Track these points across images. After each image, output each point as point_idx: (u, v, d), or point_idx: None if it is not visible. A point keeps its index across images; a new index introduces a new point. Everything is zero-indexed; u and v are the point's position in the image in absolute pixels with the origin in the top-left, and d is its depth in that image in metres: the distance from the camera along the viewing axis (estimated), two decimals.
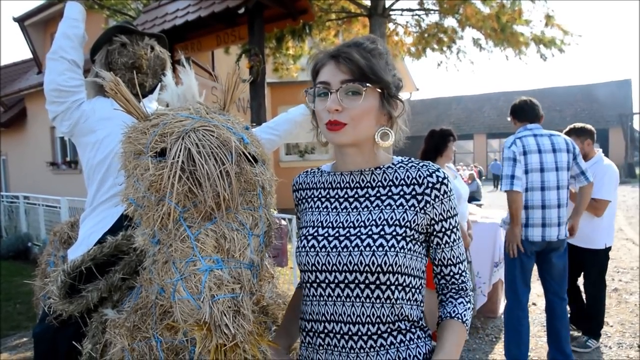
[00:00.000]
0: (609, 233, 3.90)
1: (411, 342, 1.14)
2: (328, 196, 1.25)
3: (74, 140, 2.03)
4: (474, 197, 10.81)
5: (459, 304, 1.19)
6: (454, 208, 1.19)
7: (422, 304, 1.20)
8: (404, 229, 1.13)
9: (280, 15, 5.88)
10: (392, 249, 1.10)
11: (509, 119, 3.63)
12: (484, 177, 25.79)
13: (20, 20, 13.86)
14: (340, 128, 1.12)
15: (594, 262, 3.92)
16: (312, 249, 1.17)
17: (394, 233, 1.11)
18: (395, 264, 1.10)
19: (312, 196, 1.28)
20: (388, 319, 1.12)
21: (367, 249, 1.10)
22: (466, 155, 31.49)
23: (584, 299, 4.13)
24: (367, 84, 1.12)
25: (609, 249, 3.92)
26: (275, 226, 1.30)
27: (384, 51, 1.18)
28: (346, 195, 1.22)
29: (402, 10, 8.07)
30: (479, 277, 4.42)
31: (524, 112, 3.48)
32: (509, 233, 3.37)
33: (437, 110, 33.45)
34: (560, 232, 3.29)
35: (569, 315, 4.22)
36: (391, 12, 7.75)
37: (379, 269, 1.09)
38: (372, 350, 1.11)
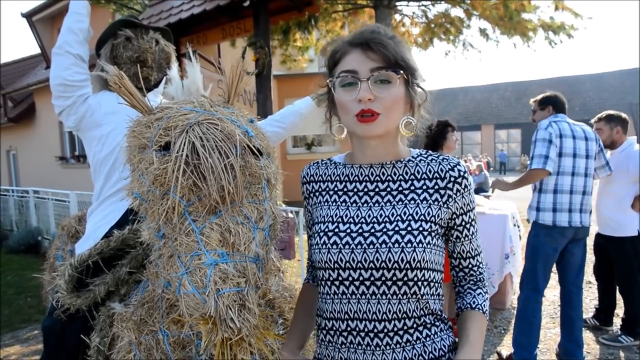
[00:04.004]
0: None
1: (435, 336, 1.13)
2: (345, 189, 1.20)
3: (80, 134, 2.03)
4: (481, 189, 10.76)
5: (478, 294, 1.18)
6: (473, 201, 1.18)
7: (442, 298, 1.19)
8: (429, 224, 1.10)
9: (285, 8, 5.84)
10: (420, 245, 1.07)
11: (539, 108, 3.59)
12: (492, 168, 25.74)
13: (28, 15, 13.92)
14: (374, 119, 1.08)
15: (625, 250, 3.83)
16: (334, 246, 1.12)
17: (421, 228, 1.09)
18: (423, 259, 1.07)
19: (327, 189, 1.23)
20: (414, 313, 1.10)
21: (396, 245, 1.07)
22: (474, 146, 31.31)
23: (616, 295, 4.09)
24: (400, 71, 1.09)
25: None
26: (280, 219, 1.30)
27: (400, 37, 1.16)
28: (366, 189, 1.18)
29: (409, 0, 8.01)
30: (488, 269, 4.41)
31: (561, 104, 3.52)
32: (507, 187, 3.57)
33: (444, 101, 33.27)
34: (583, 218, 3.30)
35: (595, 310, 4.22)
36: (397, 3, 7.68)
37: (407, 265, 1.06)
38: (398, 346, 1.09)
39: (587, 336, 3.96)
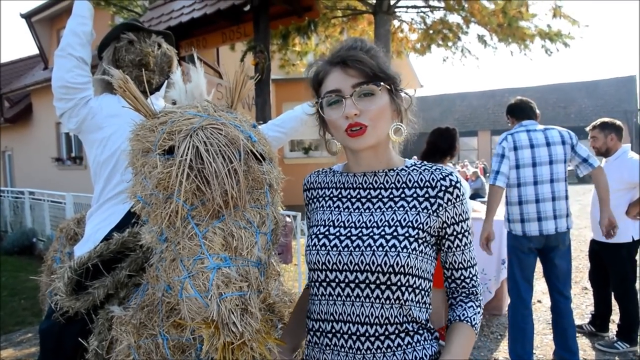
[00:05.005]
0: (636, 224, 3.81)
1: (418, 344, 1.13)
2: (340, 196, 1.24)
3: (81, 137, 2.03)
4: (478, 194, 10.78)
5: (469, 307, 1.19)
6: (466, 212, 1.18)
7: (429, 307, 1.20)
8: (416, 230, 1.12)
9: (285, 13, 5.87)
10: (405, 250, 1.09)
11: (507, 119, 3.64)
12: (488, 174, 25.80)
13: (27, 16, 13.89)
14: (362, 133, 1.12)
15: (620, 257, 3.84)
16: (323, 248, 1.16)
17: (407, 234, 1.11)
18: (407, 265, 1.09)
19: (324, 195, 1.28)
20: (396, 319, 1.11)
21: (380, 249, 1.10)
22: (470, 152, 31.39)
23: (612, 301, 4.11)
24: (381, 83, 1.13)
25: (638, 242, 3.84)
26: (282, 224, 1.30)
27: (378, 48, 1.20)
28: (359, 196, 1.21)
29: (407, 7, 8.02)
30: (485, 274, 4.42)
31: (520, 109, 3.53)
32: (483, 225, 3.43)
33: (441, 107, 33.32)
34: (558, 224, 3.28)
35: (591, 316, 4.23)
36: (396, 9, 7.70)
37: (390, 269, 1.08)
38: (378, 351, 1.11)
39: (583, 342, 3.98)
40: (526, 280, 3.41)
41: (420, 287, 1.14)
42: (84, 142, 2.03)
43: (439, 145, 3.69)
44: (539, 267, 3.53)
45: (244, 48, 6.69)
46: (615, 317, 4.06)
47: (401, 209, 1.15)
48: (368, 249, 1.11)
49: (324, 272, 1.16)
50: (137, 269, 1.67)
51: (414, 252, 1.10)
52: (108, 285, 1.64)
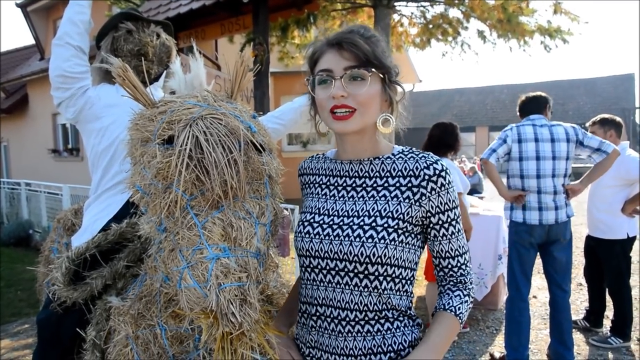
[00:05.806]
0: (631, 221, 3.84)
1: (397, 330, 1.16)
2: (328, 183, 1.27)
3: (79, 126, 2.02)
4: (475, 190, 10.78)
5: (455, 296, 1.18)
6: (453, 200, 1.17)
7: (412, 295, 1.22)
8: (396, 221, 1.13)
9: (285, 5, 5.86)
10: (382, 241, 1.10)
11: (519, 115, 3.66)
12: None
13: (23, 6, 13.78)
14: (350, 116, 1.13)
15: (614, 253, 3.87)
16: (307, 235, 1.20)
17: (386, 225, 1.12)
18: (384, 255, 1.11)
19: (315, 182, 1.31)
20: (375, 307, 1.14)
21: (357, 239, 1.12)
22: (468, 147, 31.41)
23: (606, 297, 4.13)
24: (372, 69, 1.13)
25: (632, 239, 3.88)
26: (281, 215, 1.30)
27: (380, 37, 1.19)
28: (345, 184, 1.23)
29: (407, 0, 7.99)
30: (481, 269, 4.44)
31: (526, 105, 3.56)
32: (503, 195, 3.48)
33: (439, 102, 33.31)
34: (558, 215, 3.32)
35: (585, 312, 4.26)
36: (396, 3, 7.65)
37: (367, 259, 1.11)
38: (359, 335, 1.14)
39: (578, 337, 4.00)
40: (524, 274, 3.44)
41: (401, 277, 1.16)
42: (82, 132, 2.02)
43: (445, 139, 3.73)
44: (537, 262, 3.55)
45: (243, 40, 6.65)
46: (610, 312, 4.09)
47: (382, 198, 1.16)
48: (346, 238, 1.13)
49: (308, 259, 1.20)
50: (135, 260, 1.67)
51: (393, 242, 1.11)
52: (106, 276, 1.63)
